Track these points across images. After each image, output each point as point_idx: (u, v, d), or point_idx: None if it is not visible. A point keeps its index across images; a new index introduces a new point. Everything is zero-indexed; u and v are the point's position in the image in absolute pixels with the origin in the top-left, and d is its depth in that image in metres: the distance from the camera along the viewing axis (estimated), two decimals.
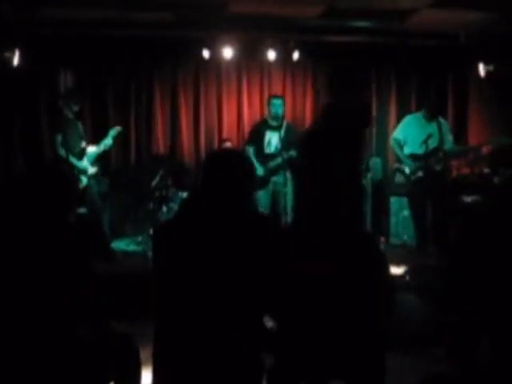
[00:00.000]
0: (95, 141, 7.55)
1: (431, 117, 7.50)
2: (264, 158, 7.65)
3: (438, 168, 7.37)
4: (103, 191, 7.81)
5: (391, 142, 7.84)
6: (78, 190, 6.95)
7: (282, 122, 7.70)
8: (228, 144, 8.62)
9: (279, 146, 7.55)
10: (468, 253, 3.90)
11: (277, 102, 7.74)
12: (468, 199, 7.50)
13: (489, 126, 9.04)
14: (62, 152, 6.88)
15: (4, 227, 3.01)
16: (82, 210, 7.11)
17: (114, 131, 7.48)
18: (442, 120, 7.60)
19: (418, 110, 8.28)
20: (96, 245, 7.03)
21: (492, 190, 7.25)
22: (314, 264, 2.82)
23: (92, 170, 7.26)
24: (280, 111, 7.68)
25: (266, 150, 7.70)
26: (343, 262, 2.83)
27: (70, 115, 7.20)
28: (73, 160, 6.99)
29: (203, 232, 2.74)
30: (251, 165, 3.02)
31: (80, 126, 7.38)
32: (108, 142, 7.40)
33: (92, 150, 7.34)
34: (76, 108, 7.26)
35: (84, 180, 7.08)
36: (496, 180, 7.41)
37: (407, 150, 7.58)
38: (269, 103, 7.86)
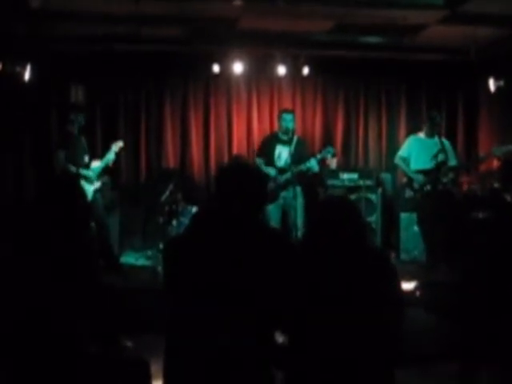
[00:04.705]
0: (105, 155, 7.56)
1: (432, 134, 7.55)
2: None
3: (444, 180, 7.39)
4: (109, 205, 7.82)
5: (396, 160, 7.86)
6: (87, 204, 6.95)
7: (292, 137, 7.69)
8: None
9: (289, 160, 7.54)
10: (480, 270, 3.88)
11: (287, 116, 7.74)
12: (479, 215, 7.47)
13: (499, 141, 9.02)
14: (69, 167, 6.92)
15: (17, 242, 3.01)
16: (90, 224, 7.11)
17: (115, 146, 7.48)
18: (443, 139, 7.66)
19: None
20: (103, 258, 7.02)
21: (502, 206, 7.23)
22: (326, 280, 2.81)
23: (96, 184, 7.26)
24: (290, 126, 7.68)
25: (275, 163, 7.69)
26: (355, 277, 2.81)
27: (75, 131, 7.23)
28: (80, 170, 7.03)
29: (215, 247, 2.73)
30: (264, 178, 3.01)
31: (83, 141, 7.39)
32: (110, 156, 7.40)
33: (96, 164, 7.36)
34: (83, 122, 7.30)
35: (89, 194, 7.07)
36: (506, 195, 7.39)
37: (413, 167, 7.60)
38: (279, 117, 7.87)
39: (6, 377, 2.85)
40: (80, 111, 7.34)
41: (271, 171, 7.58)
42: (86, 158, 7.30)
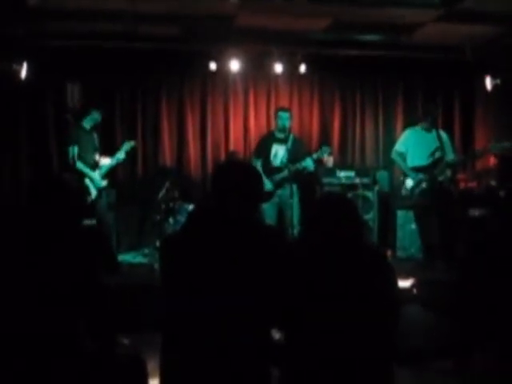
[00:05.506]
0: (102, 153, 7.55)
1: (430, 128, 7.53)
2: (270, 170, 7.63)
3: (441, 178, 7.38)
4: (111, 203, 7.82)
5: (393, 155, 7.81)
6: (88, 201, 6.94)
7: (288, 135, 7.69)
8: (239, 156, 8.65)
9: (285, 159, 7.54)
10: (476, 267, 3.89)
11: (284, 114, 7.75)
12: (475, 212, 7.48)
13: (495, 139, 9.02)
14: (76, 163, 6.91)
15: (13, 237, 3.00)
16: (92, 222, 7.09)
17: (127, 145, 7.47)
18: (441, 132, 7.61)
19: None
20: (103, 256, 7.02)
21: (499, 203, 7.24)
22: (322, 277, 2.81)
23: (103, 183, 7.24)
24: (287, 124, 7.69)
25: (272, 162, 7.68)
26: (351, 274, 2.81)
27: (88, 127, 7.21)
28: (87, 170, 7.03)
29: (211, 244, 2.73)
30: (260, 176, 3.00)
31: (95, 137, 7.36)
32: (121, 155, 7.39)
33: (105, 162, 7.34)
34: (99, 119, 7.29)
35: (94, 192, 7.07)
36: (502, 193, 7.40)
37: (410, 163, 7.58)
38: (276, 115, 7.87)
39: (6, 376, 2.85)
40: (96, 107, 7.29)
41: (267, 185, 7.51)
42: (96, 156, 7.28)
